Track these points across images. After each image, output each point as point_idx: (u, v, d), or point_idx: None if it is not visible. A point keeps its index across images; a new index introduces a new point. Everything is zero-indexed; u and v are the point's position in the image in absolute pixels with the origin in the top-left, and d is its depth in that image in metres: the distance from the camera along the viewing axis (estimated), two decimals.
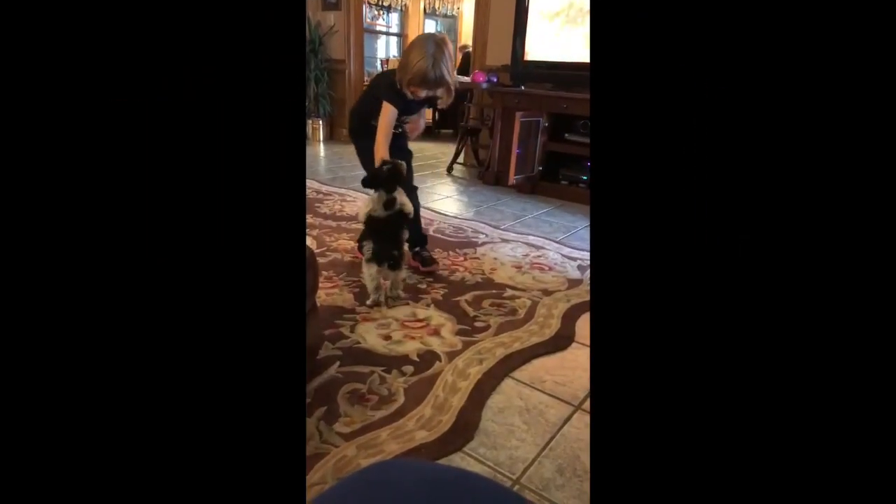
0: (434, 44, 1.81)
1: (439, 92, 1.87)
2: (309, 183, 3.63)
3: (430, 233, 2.70)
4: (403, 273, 1.89)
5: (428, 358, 1.54)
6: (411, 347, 1.60)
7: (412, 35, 7.66)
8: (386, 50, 7.63)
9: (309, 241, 2.44)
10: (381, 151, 1.83)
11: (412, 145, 2.19)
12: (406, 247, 1.91)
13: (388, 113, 1.86)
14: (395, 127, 1.93)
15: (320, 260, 2.21)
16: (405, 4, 7.47)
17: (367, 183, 1.82)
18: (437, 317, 1.80)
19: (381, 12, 7.39)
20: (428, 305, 1.88)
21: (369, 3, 6.93)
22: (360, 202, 3.17)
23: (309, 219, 2.82)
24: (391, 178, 1.77)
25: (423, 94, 1.86)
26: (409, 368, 1.48)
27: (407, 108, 1.93)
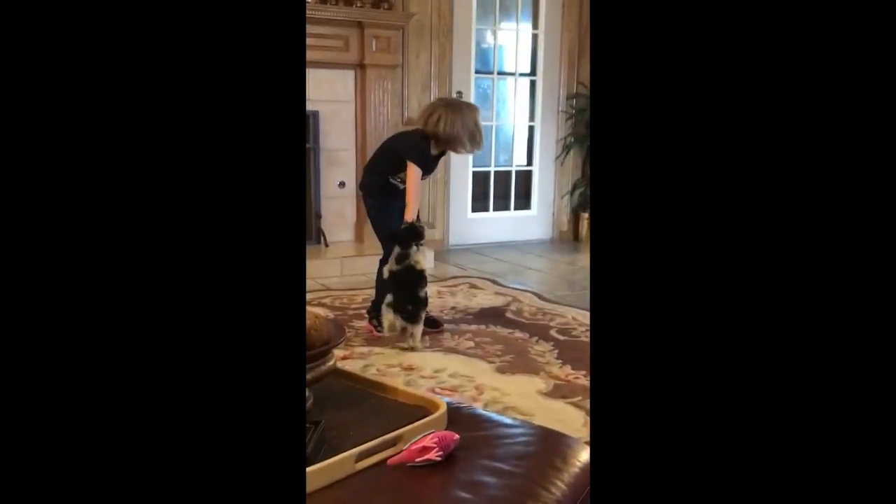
0: (469, 109, 2.04)
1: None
2: (569, 311, 2.48)
3: None
4: (420, 327, 1.99)
5: None
6: None
7: None
8: None
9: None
10: (413, 212, 1.97)
11: None
12: (411, 307, 1.98)
13: (417, 175, 1.98)
14: (399, 185, 2.06)
15: None
16: None
17: (391, 240, 1.99)
18: None
19: None
20: None
21: None
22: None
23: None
24: (409, 235, 1.95)
25: (465, 151, 2.06)
26: None
27: (428, 168, 2.07)
